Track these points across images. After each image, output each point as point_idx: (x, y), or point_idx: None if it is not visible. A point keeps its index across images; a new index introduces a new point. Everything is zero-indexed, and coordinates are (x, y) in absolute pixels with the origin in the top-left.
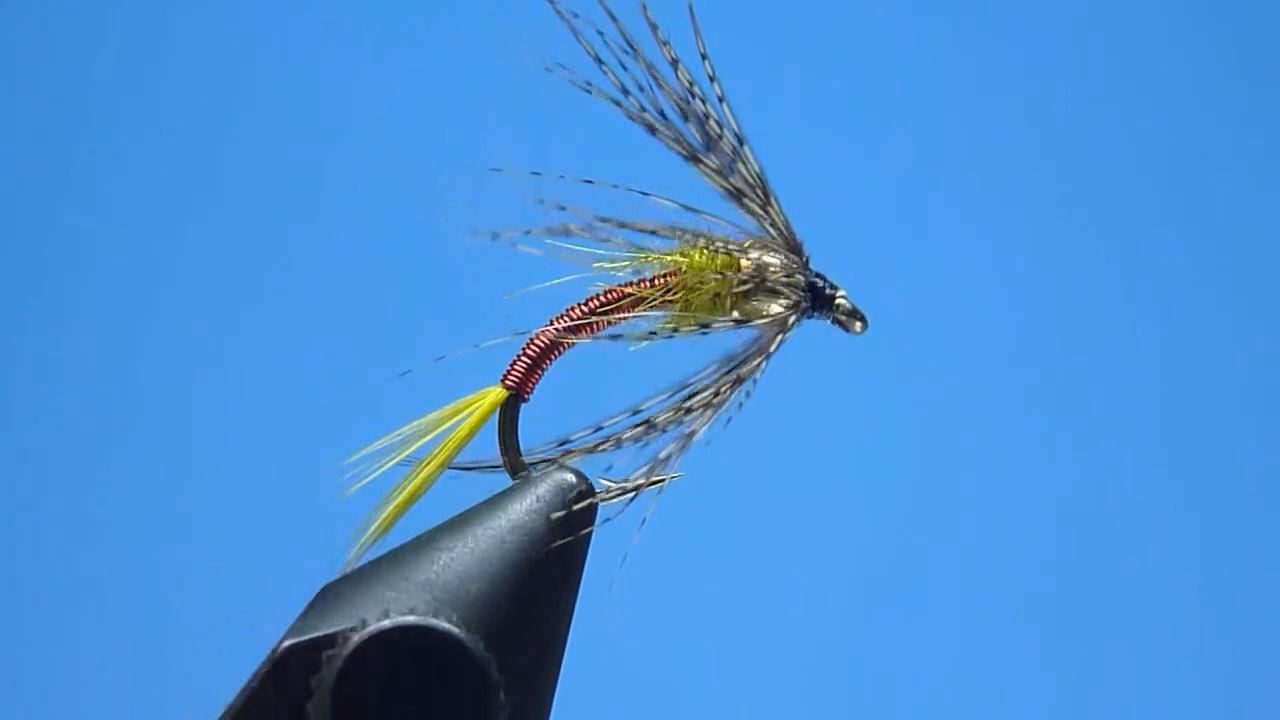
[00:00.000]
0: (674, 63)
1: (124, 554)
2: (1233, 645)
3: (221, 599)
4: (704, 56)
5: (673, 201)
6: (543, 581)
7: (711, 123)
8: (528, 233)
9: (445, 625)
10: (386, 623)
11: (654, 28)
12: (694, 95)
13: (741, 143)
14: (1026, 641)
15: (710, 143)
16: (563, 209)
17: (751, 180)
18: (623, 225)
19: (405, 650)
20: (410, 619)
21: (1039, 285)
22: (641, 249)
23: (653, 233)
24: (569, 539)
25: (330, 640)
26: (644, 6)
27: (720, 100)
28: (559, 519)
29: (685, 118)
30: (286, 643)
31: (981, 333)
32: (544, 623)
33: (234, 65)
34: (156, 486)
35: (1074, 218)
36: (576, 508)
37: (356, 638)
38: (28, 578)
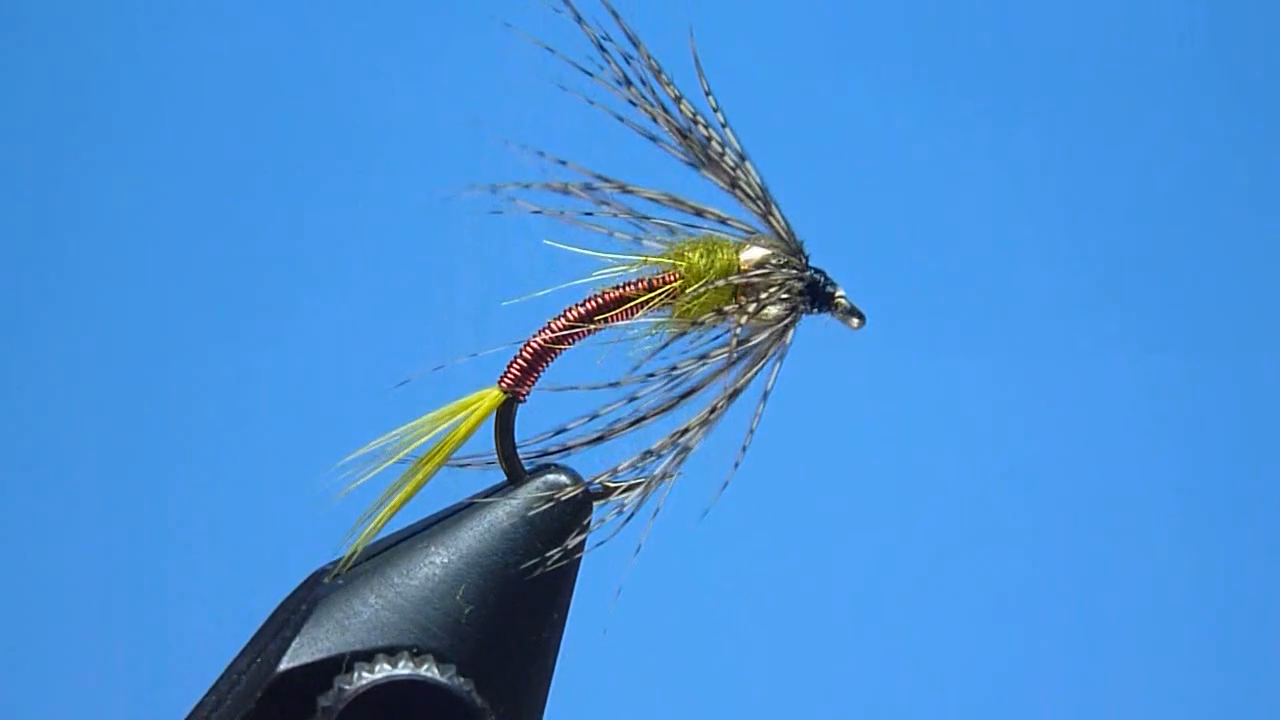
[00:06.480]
0: (677, 99)
1: (121, 555)
2: (1244, 647)
3: (219, 598)
4: (708, 93)
5: (669, 195)
6: (534, 593)
7: (714, 144)
8: (537, 211)
9: (437, 678)
10: (380, 676)
11: (657, 72)
12: (695, 122)
13: (743, 159)
14: (1029, 643)
15: (712, 161)
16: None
17: (753, 191)
18: (629, 191)
19: (400, 696)
20: (404, 673)
21: (1047, 283)
22: (639, 251)
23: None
24: (562, 547)
25: (325, 665)
26: (649, 56)
27: (723, 125)
28: (551, 526)
29: (687, 140)
30: (283, 666)
31: (990, 332)
32: (535, 637)
33: (233, 64)
34: (155, 486)
35: (1076, 216)
36: (570, 505)
37: (350, 690)
38: (27, 579)
